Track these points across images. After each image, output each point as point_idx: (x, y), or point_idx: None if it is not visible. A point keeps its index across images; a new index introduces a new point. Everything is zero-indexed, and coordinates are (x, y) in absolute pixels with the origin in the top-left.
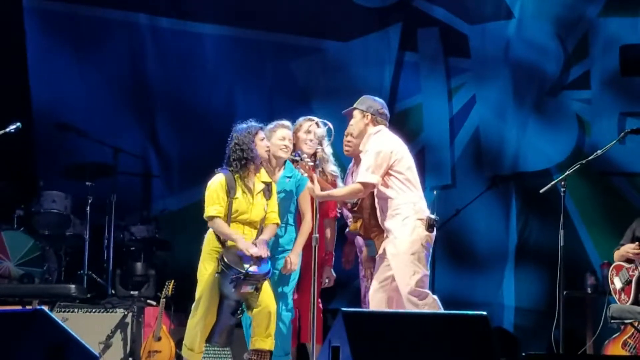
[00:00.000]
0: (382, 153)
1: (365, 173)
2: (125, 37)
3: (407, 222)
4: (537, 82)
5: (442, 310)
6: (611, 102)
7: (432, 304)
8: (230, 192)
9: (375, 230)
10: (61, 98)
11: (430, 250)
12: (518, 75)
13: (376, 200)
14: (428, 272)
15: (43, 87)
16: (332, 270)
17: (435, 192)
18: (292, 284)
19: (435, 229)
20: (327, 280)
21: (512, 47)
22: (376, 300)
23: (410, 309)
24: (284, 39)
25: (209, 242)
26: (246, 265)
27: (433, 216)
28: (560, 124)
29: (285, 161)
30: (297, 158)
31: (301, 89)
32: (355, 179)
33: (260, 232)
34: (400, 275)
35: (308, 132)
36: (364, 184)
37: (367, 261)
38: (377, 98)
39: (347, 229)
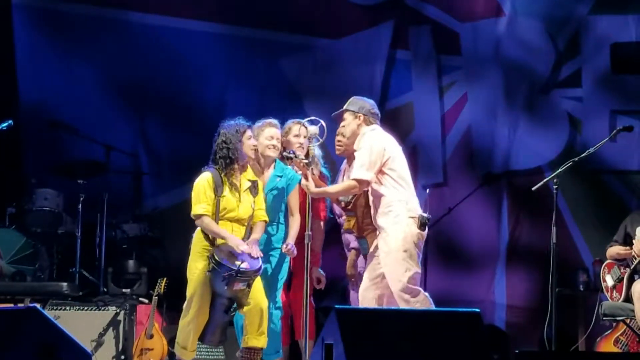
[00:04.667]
0: (376, 150)
1: (360, 169)
2: (115, 35)
3: (399, 219)
4: (528, 80)
5: (434, 307)
6: (602, 100)
7: (423, 301)
8: (217, 190)
9: (368, 229)
10: (51, 96)
11: (422, 249)
12: (509, 73)
13: (370, 198)
14: (420, 270)
15: (32, 85)
16: (320, 270)
17: (427, 191)
18: (281, 283)
19: (427, 227)
20: (317, 282)
21: (503, 45)
22: (367, 297)
23: (402, 306)
24: (275, 37)
25: (198, 240)
26: (237, 262)
27: (425, 215)
28: (552, 122)
29: (274, 160)
30: (292, 155)
31: (292, 87)
32: (349, 177)
33: (248, 229)
34: (392, 273)
35: (297, 135)
36: (359, 181)
37: (351, 267)
38: (366, 98)
39: (342, 229)
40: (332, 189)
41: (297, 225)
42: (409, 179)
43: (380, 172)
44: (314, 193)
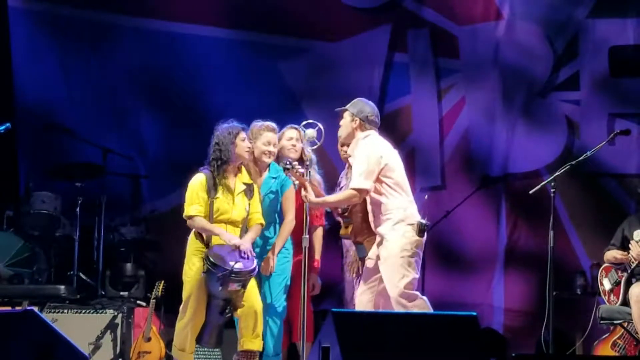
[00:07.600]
0: (373, 158)
1: (358, 179)
2: (112, 38)
3: (398, 227)
4: (526, 83)
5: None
6: (600, 103)
7: (421, 305)
8: (210, 191)
9: (365, 234)
10: (48, 98)
11: (421, 255)
12: (507, 76)
13: (369, 205)
14: (418, 276)
15: (28, 88)
16: (317, 277)
17: (426, 197)
18: (282, 286)
19: (425, 234)
20: (312, 288)
21: (501, 48)
22: (363, 301)
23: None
24: (273, 40)
25: (192, 242)
26: (232, 263)
27: (424, 221)
28: (550, 125)
29: (269, 164)
30: (289, 166)
31: (290, 90)
32: (348, 185)
33: (243, 232)
34: (389, 279)
35: (290, 138)
36: (358, 190)
37: (355, 261)
38: (370, 103)
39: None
40: (331, 198)
41: (289, 229)
42: (407, 185)
43: (378, 180)
44: (313, 203)
